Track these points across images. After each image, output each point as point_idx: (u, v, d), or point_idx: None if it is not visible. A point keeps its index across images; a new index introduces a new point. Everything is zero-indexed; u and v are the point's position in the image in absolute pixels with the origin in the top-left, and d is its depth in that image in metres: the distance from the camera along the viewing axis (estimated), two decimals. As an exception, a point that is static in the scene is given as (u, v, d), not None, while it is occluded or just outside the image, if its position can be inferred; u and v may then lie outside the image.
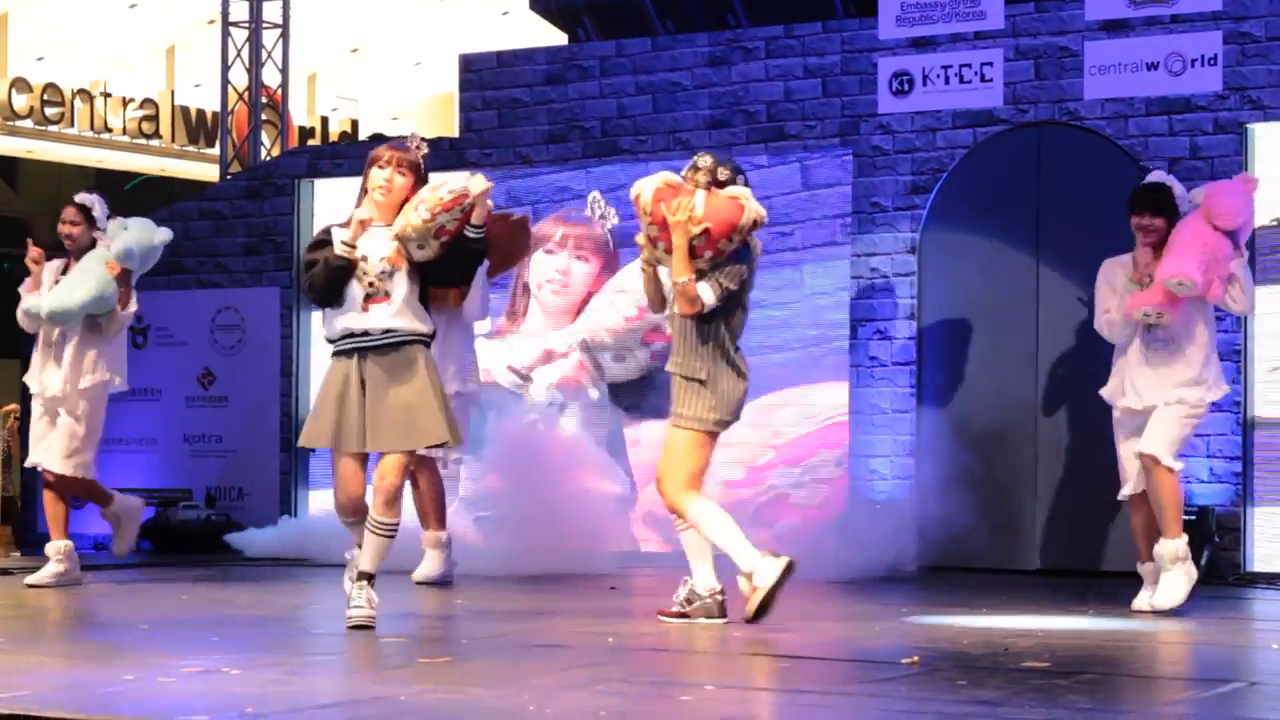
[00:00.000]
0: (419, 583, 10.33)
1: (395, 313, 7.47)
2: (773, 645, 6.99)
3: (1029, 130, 11.89)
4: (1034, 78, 11.86)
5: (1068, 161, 11.74)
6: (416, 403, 7.45)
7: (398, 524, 7.46)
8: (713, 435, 8.12)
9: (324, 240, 7.55)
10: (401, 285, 7.50)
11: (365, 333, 7.48)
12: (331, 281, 7.48)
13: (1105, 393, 9.12)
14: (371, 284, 7.48)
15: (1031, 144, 11.87)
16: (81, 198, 10.40)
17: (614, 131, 13.09)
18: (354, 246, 7.46)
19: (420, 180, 7.62)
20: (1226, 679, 6.23)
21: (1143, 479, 8.88)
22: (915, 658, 6.54)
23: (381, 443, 7.46)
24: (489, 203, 7.59)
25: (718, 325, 8.08)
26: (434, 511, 10.50)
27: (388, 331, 7.48)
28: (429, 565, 10.44)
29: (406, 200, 7.55)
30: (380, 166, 7.60)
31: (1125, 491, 9.02)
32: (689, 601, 8.05)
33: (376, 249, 7.49)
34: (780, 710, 5.23)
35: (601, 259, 13.02)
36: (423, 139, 7.80)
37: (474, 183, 7.53)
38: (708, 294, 7.98)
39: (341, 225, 7.55)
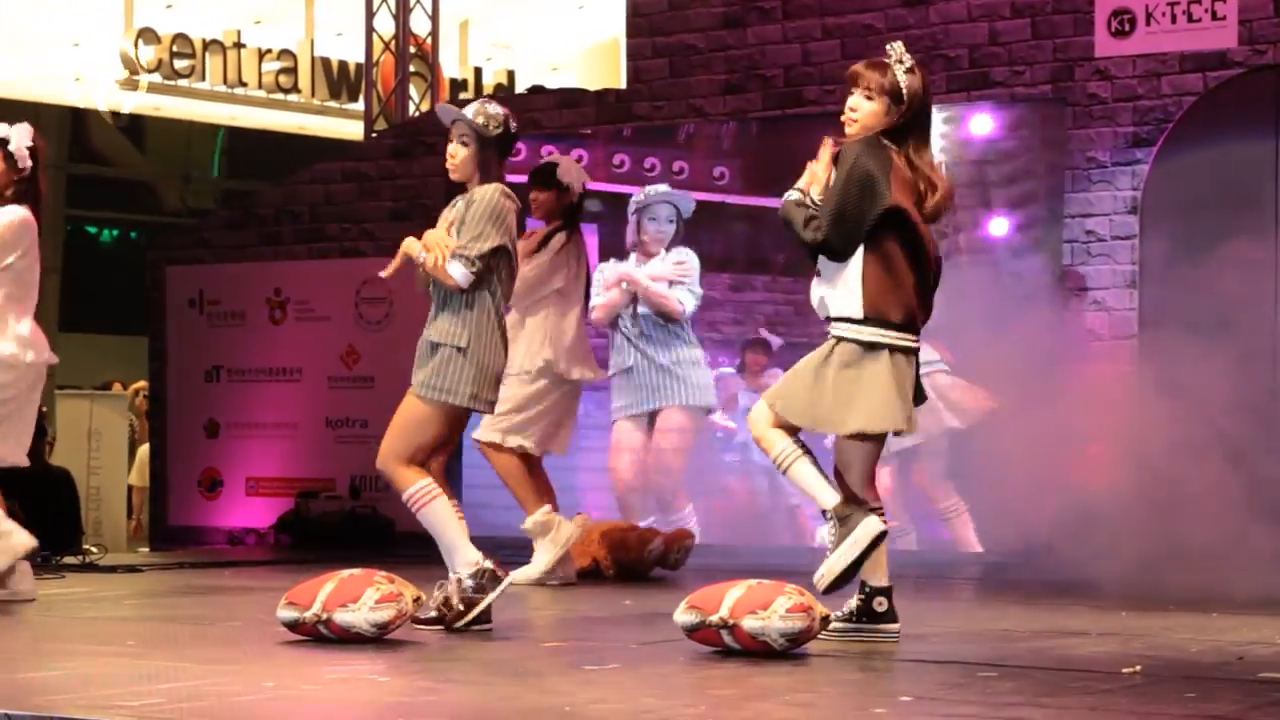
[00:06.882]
0: None
1: None
2: (971, 653, 6.97)
3: (1267, 73, 11.73)
4: (1273, 14, 11.69)
5: (1310, 108, 11.60)
6: None
7: None
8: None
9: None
10: None
11: None
12: None
13: None
14: None
15: (1270, 89, 11.71)
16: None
17: (798, 81, 13.06)
18: None
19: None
20: None
21: None
22: (1137, 666, 6.50)
23: None
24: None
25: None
26: None
27: None
28: None
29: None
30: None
31: None
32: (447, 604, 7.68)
33: None
34: (985, 725, 5.22)
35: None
36: None
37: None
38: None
39: None
